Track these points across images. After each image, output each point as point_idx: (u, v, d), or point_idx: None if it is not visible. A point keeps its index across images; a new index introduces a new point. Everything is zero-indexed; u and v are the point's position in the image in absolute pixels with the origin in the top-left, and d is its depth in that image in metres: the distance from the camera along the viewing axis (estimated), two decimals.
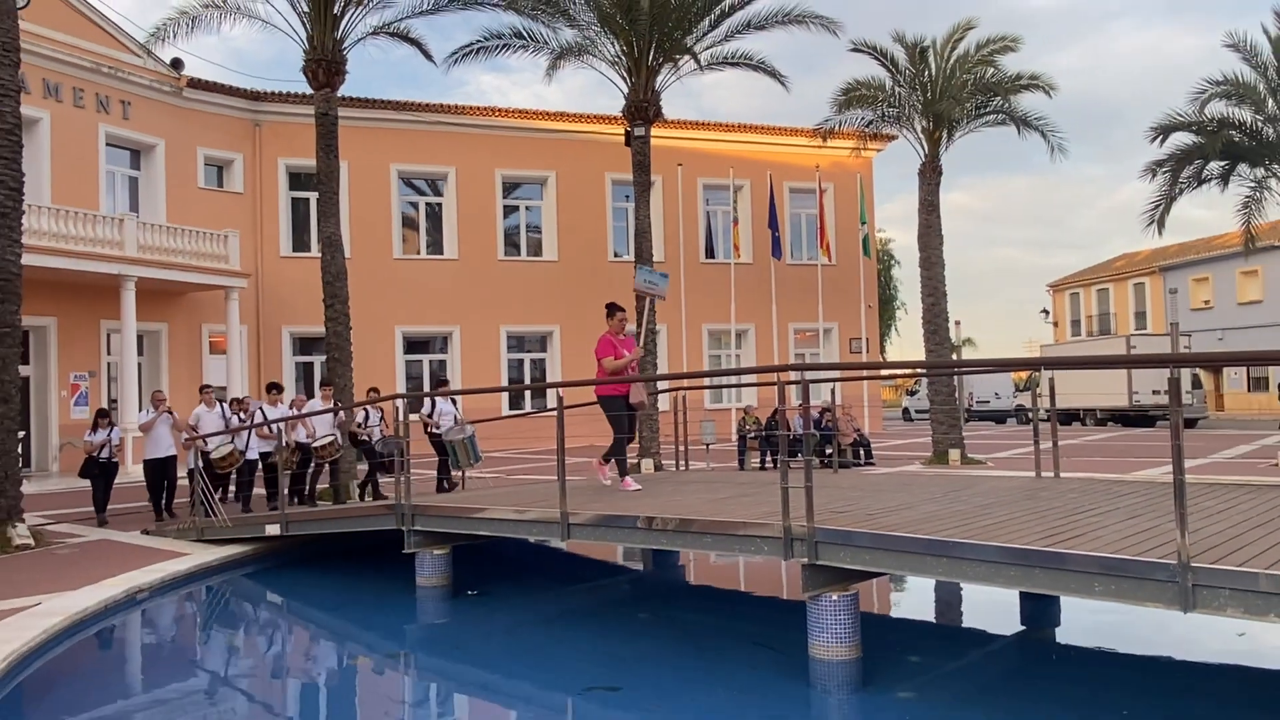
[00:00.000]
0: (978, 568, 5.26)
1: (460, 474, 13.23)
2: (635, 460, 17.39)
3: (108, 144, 22.17)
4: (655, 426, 17.65)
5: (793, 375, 7.03)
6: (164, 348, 22.80)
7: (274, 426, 12.50)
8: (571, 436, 8.08)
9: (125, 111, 22.34)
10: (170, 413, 13.17)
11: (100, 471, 12.65)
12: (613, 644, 7.22)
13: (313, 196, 23.87)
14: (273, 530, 9.93)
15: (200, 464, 11.55)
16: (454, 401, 14.51)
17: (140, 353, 21.54)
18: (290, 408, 13.98)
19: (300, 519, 10.01)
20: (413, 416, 10.84)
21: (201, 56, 54.62)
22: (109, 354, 21.77)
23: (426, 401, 14.70)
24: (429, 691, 6.75)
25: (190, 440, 12.38)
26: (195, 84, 23.61)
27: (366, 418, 14.15)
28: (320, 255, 15.30)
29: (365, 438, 13.95)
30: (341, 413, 13.50)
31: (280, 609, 9.45)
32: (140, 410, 13.41)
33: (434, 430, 13.59)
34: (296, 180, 25.33)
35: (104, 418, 12.98)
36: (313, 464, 13.15)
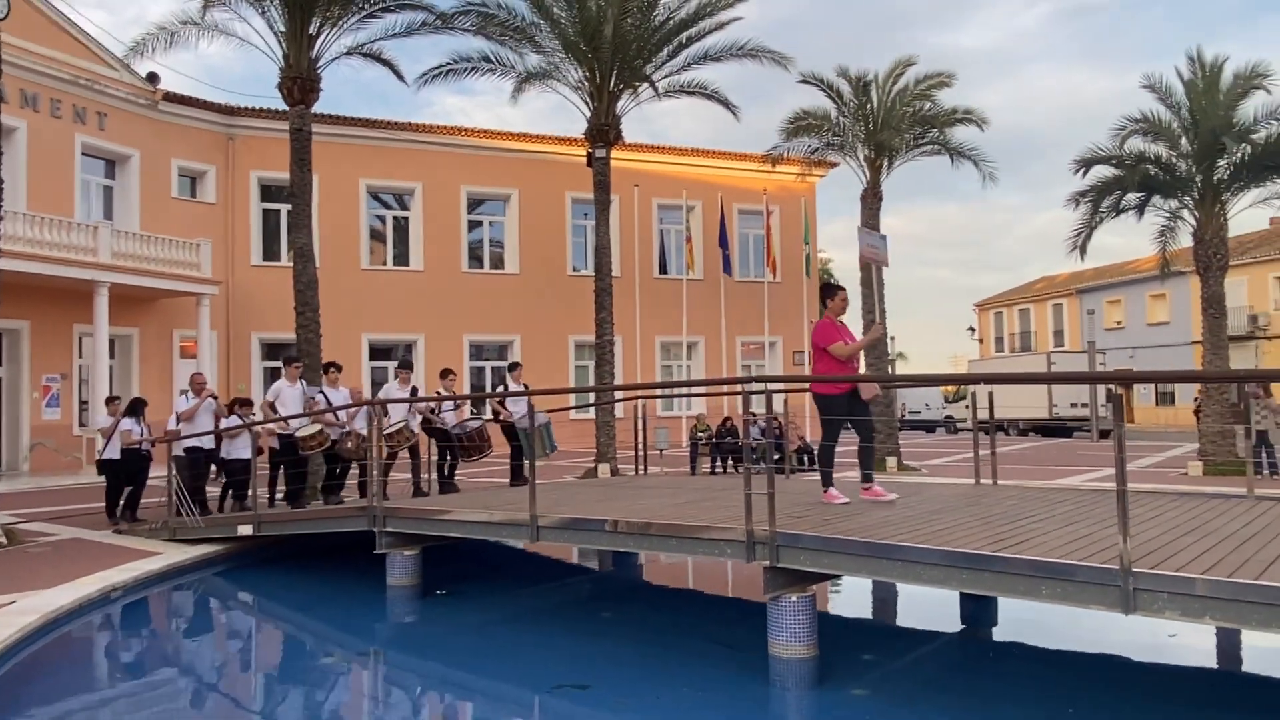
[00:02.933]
0: (932, 571, 5.25)
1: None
2: (593, 465, 17.29)
3: (83, 154, 21.56)
4: (612, 433, 17.55)
5: (755, 386, 6.98)
6: (135, 352, 22.20)
7: (339, 414, 11.07)
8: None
9: (101, 123, 21.74)
10: (214, 398, 11.55)
11: (140, 466, 11.21)
12: (579, 642, 7.11)
13: (283, 208, 23.46)
14: (245, 530, 9.65)
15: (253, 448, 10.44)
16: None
17: (112, 356, 20.92)
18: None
19: (273, 519, 9.74)
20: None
21: (178, 71, 53.39)
22: (81, 357, 21.13)
23: (500, 387, 12.67)
24: (399, 690, 6.57)
25: (268, 421, 10.89)
26: (170, 98, 23.08)
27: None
28: (292, 265, 14.99)
29: (440, 424, 11.77)
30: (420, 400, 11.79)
31: (252, 608, 9.17)
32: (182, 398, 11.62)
33: (506, 418, 11.96)
34: (268, 192, 24.90)
35: (143, 405, 11.58)
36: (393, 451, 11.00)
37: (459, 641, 7.41)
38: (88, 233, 19.31)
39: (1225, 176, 16.52)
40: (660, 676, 6.14)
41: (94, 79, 21.46)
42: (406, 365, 12.09)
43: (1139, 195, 17.73)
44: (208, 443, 11.13)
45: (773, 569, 5.88)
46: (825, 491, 7.36)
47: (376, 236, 26.88)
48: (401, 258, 26.82)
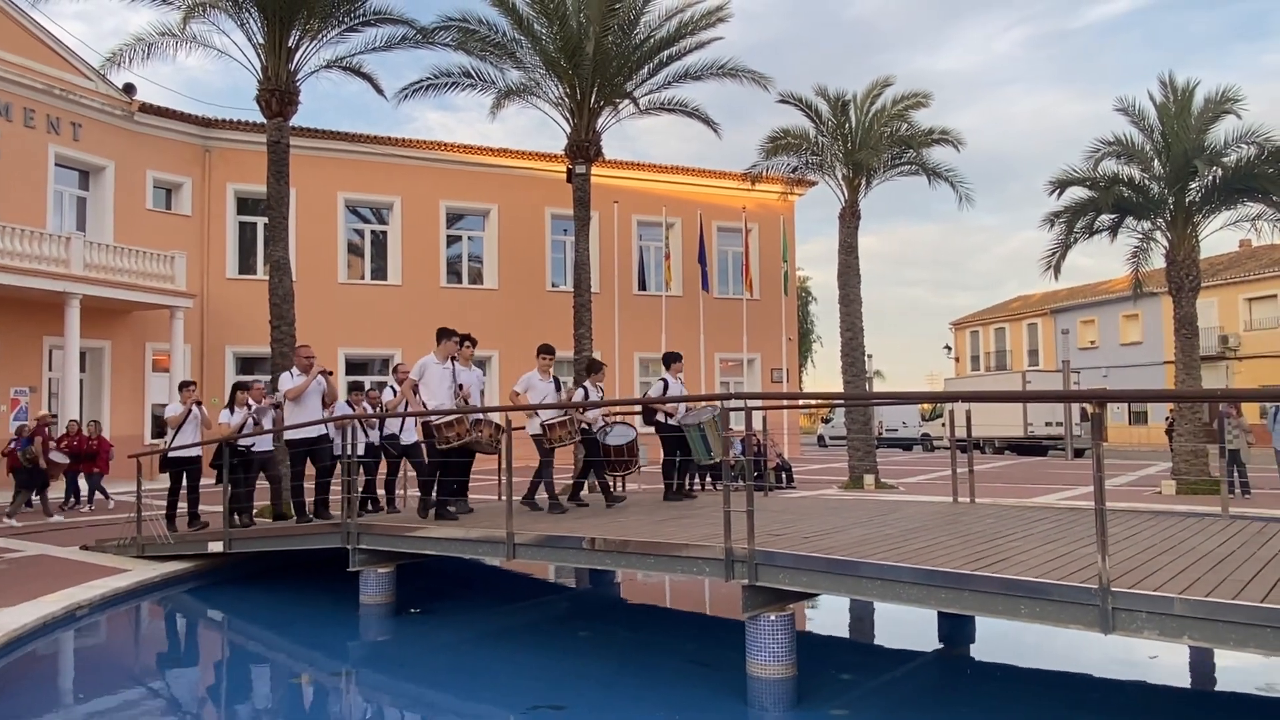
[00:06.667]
0: (912, 590, 5.22)
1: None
2: (571, 481, 17.15)
3: (57, 164, 21.30)
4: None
5: (735, 403, 6.95)
6: (106, 365, 21.89)
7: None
8: (516, 458, 7.92)
9: (75, 133, 21.50)
10: (326, 375, 9.89)
11: (241, 465, 9.77)
12: (555, 662, 7.02)
13: (260, 221, 23.32)
14: (215, 547, 9.48)
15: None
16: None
17: (83, 369, 20.61)
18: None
19: (244, 536, 9.57)
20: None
21: (156, 82, 53.17)
22: (50, 370, 20.79)
23: (657, 383, 10.60)
24: (371, 710, 6.45)
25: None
26: (147, 109, 22.88)
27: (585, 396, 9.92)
28: (268, 278, 14.86)
29: (586, 424, 9.71)
30: (563, 393, 9.93)
31: (222, 626, 9.00)
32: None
33: (664, 418, 9.83)
34: (244, 205, 24.73)
35: (243, 390, 10.22)
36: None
37: (433, 660, 7.30)
38: (59, 244, 19.06)
39: (1197, 199, 16.70)
40: (637, 696, 6.07)
41: (69, 89, 21.24)
42: (548, 350, 9.65)
43: (1112, 216, 17.90)
44: (311, 432, 9.56)
45: (751, 587, 5.83)
46: None
47: (354, 250, 26.72)
48: (379, 272, 26.68)
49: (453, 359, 9.05)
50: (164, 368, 22.40)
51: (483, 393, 9.78)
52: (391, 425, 10.18)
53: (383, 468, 10.74)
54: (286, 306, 14.55)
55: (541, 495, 9.18)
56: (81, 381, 20.45)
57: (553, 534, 7.18)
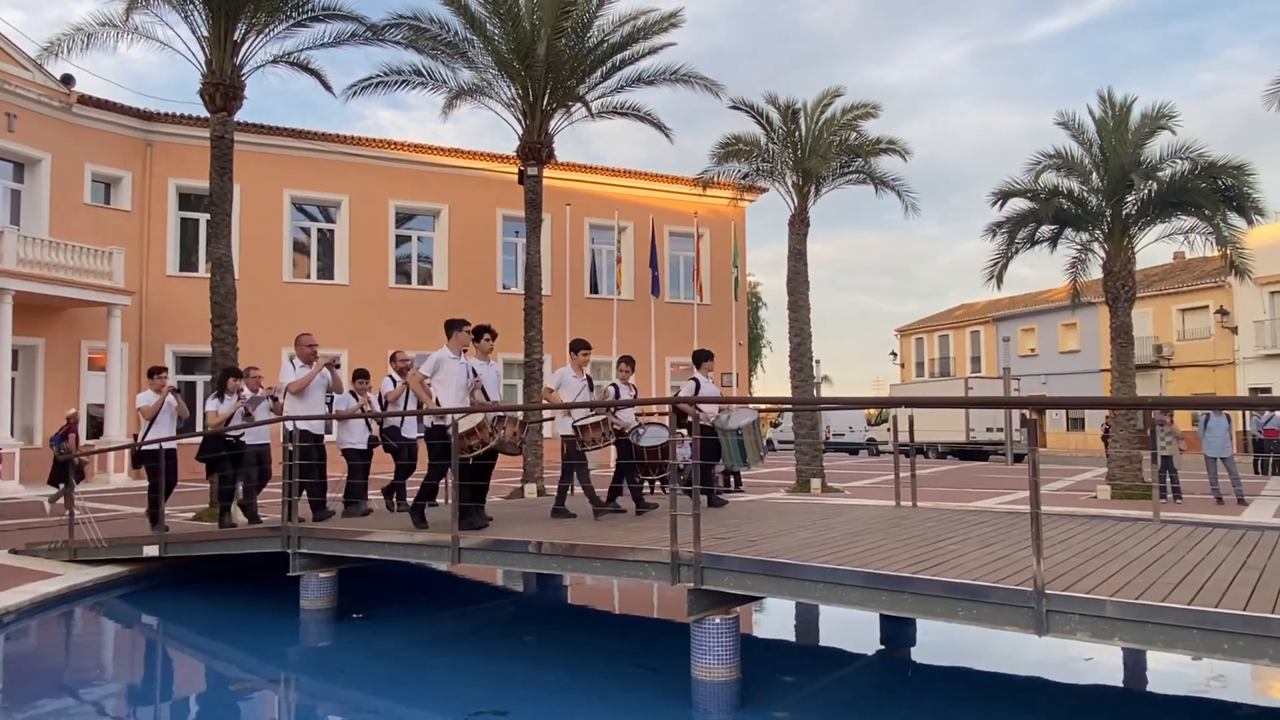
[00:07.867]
0: (853, 593, 5.28)
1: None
2: (519, 484, 17.08)
3: None
4: (540, 453, 17.38)
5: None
6: (40, 363, 21.25)
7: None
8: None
9: (10, 124, 20.85)
10: (331, 369, 9.20)
11: (232, 458, 9.36)
12: (499, 667, 6.96)
13: (203, 217, 22.82)
14: (151, 551, 9.24)
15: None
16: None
17: (15, 368, 19.99)
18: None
19: (180, 540, 9.35)
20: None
21: (97, 74, 51.57)
22: None
23: (688, 383, 9.79)
24: (311, 718, 6.33)
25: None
26: (86, 100, 22.27)
27: (616, 394, 9.32)
28: (209, 276, 14.55)
29: (620, 426, 9.02)
30: (596, 392, 9.36)
31: (157, 632, 8.77)
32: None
33: (707, 420, 8.84)
34: (186, 201, 24.20)
35: (236, 378, 9.58)
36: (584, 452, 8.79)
37: (374, 667, 7.17)
38: None
39: (1133, 212, 17.14)
40: (581, 701, 6.04)
41: (4, 78, 20.59)
42: (584, 346, 9.07)
43: (1052, 228, 18.28)
44: (318, 427, 8.91)
45: (697, 590, 5.85)
46: None
47: (300, 249, 26.31)
48: (326, 271, 26.28)
49: (459, 356, 8.30)
50: (100, 366, 21.82)
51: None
52: (392, 417, 9.65)
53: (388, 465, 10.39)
54: (228, 305, 14.28)
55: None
56: (14, 380, 19.83)
57: (498, 538, 7.13)
